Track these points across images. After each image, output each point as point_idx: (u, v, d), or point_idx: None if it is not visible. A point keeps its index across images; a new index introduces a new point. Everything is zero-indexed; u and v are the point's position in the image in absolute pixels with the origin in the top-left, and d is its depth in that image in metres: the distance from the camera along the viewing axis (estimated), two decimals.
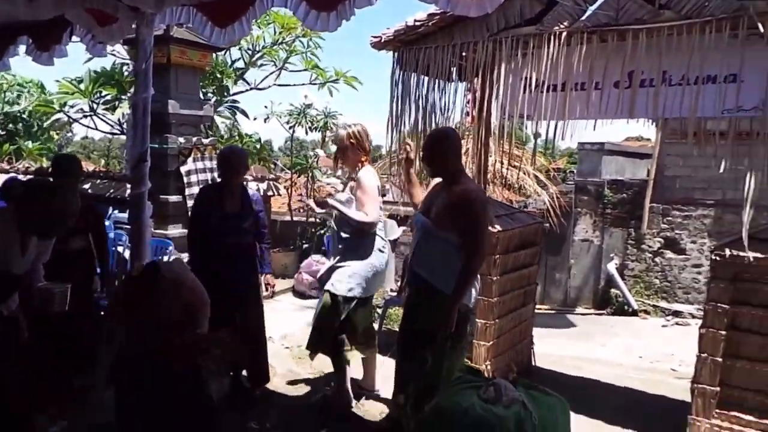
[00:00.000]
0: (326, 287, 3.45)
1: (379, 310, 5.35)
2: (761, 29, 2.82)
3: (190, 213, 3.78)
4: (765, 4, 2.83)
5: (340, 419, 3.41)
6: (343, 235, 3.45)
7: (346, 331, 3.45)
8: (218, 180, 3.74)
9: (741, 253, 2.98)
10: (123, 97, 7.25)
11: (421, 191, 3.23)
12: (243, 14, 3.26)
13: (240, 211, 3.54)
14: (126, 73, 7.33)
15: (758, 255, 2.94)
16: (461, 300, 2.73)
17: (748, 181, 2.95)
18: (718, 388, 3.13)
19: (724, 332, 3.10)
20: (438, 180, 2.98)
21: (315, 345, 3.55)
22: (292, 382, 4.01)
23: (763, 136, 2.93)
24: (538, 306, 6.37)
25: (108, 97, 7.52)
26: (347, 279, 3.41)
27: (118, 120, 7.64)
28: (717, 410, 3.14)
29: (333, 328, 3.43)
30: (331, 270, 3.47)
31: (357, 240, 3.42)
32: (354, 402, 3.55)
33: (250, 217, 3.58)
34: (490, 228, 3.76)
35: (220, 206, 3.51)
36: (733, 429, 3.09)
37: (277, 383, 3.99)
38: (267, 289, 3.80)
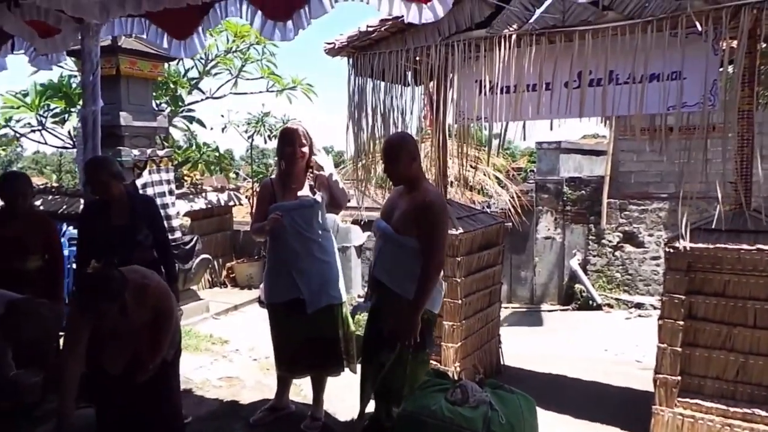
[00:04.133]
0: (335, 300, 3.22)
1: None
2: (699, 28, 2.92)
3: (77, 232, 3.51)
4: (702, 3, 2.94)
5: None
6: (312, 236, 3.21)
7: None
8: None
9: (692, 245, 3.07)
10: (72, 109, 7.02)
11: None
12: (198, 25, 3.24)
13: (129, 222, 3.24)
14: (74, 85, 7.10)
15: (708, 245, 3.04)
16: (423, 306, 2.71)
17: (686, 174, 3.06)
18: (678, 378, 3.21)
19: (681, 322, 3.18)
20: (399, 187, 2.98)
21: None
22: (260, 394, 3.94)
23: (703, 130, 3.03)
24: (505, 305, 6.47)
25: (56, 110, 7.27)
26: (340, 283, 3.29)
27: (69, 132, 7.40)
28: (679, 399, 3.22)
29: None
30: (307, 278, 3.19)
31: (330, 242, 3.31)
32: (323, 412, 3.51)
33: (143, 229, 3.29)
34: (451, 232, 3.79)
35: (107, 219, 3.23)
36: (695, 416, 3.17)
37: (245, 395, 3.92)
38: None
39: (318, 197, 3.19)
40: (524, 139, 3.67)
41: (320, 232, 3.21)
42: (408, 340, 2.68)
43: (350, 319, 3.37)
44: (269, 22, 2.79)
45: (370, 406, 3.02)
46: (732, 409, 3.07)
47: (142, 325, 2.50)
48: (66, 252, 4.92)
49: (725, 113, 3.02)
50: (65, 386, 2.43)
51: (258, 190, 3.49)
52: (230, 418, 3.55)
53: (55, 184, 8.38)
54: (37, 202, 6.46)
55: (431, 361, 3.76)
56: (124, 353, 2.52)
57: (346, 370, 3.35)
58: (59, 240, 3.81)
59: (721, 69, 3.07)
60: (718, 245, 3.03)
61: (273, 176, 3.40)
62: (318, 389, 3.41)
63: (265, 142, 9.21)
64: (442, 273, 2.88)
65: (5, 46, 3.84)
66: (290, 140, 3.16)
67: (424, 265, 2.69)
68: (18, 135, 7.76)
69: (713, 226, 3.10)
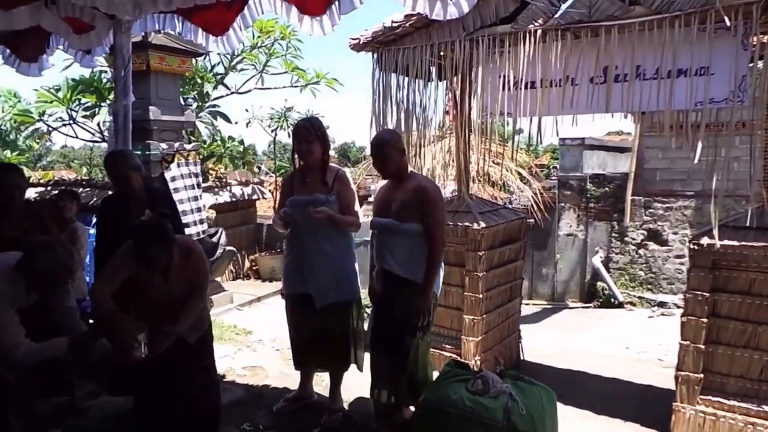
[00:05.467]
0: (345, 297, 3.25)
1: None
2: (727, 23, 2.89)
3: (95, 227, 3.50)
4: None
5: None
6: (323, 233, 3.19)
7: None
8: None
9: (715, 242, 3.05)
10: (102, 104, 7.19)
11: None
12: (233, 20, 3.31)
13: None
14: (105, 80, 7.27)
15: (734, 243, 3.01)
16: (432, 283, 2.85)
17: (717, 171, 3.02)
18: (701, 375, 3.20)
19: (705, 320, 3.16)
20: (383, 183, 3.13)
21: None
22: (283, 383, 4.02)
23: (731, 126, 3.00)
24: (526, 301, 6.45)
25: (87, 105, 7.45)
26: (357, 281, 3.33)
27: (98, 126, 7.57)
28: (701, 396, 3.20)
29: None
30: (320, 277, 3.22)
31: (343, 238, 3.34)
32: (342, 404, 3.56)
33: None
34: (473, 226, 3.81)
35: (126, 213, 3.17)
36: (717, 414, 3.15)
37: (269, 384, 4.01)
38: None
39: (331, 196, 3.17)
40: (557, 134, 3.65)
41: (332, 229, 3.19)
42: (424, 318, 2.82)
43: (364, 316, 3.40)
44: (306, 18, 2.84)
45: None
46: (755, 408, 3.05)
47: (178, 298, 2.61)
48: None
49: (755, 109, 2.98)
50: (103, 313, 2.61)
51: (282, 181, 3.54)
52: (254, 406, 3.63)
53: (85, 178, 8.59)
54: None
55: (452, 355, 3.82)
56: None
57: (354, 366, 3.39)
58: (58, 234, 3.58)
59: (751, 64, 3.03)
60: (744, 243, 3.00)
61: (293, 170, 3.44)
62: (335, 382, 3.45)
63: (288, 137, 9.31)
64: (450, 264, 2.98)
65: (46, 44, 3.96)
66: (300, 137, 3.17)
67: (430, 245, 2.84)
68: (50, 129, 7.97)
69: (744, 224, 3.06)
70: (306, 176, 3.23)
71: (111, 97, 6.83)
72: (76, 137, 8.21)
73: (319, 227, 3.15)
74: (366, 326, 3.48)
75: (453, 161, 4.36)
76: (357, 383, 3.57)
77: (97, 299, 2.63)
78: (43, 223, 3.35)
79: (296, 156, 3.25)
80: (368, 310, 4.76)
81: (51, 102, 7.33)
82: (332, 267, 3.22)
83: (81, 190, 6.82)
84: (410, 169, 3.21)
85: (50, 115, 7.65)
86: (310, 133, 3.15)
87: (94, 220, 5.84)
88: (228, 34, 3.36)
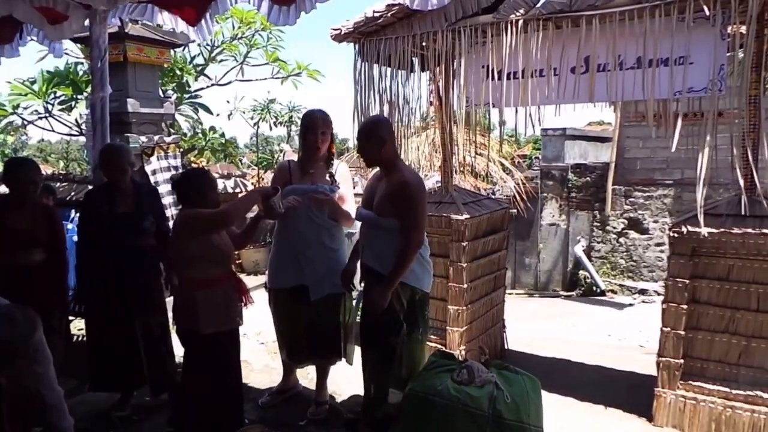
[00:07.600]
0: (338, 289, 3.20)
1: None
2: (706, 12, 2.91)
3: (78, 220, 3.48)
4: None
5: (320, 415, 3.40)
6: (324, 224, 3.20)
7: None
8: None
9: (697, 229, 3.09)
10: (79, 96, 7.06)
11: None
12: (206, 10, 3.25)
13: (136, 210, 3.24)
14: (81, 73, 7.13)
15: (713, 230, 3.06)
16: (396, 280, 2.71)
17: (700, 160, 3.05)
18: (681, 360, 3.25)
19: (685, 306, 3.21)
20: (376, 170, 3.01)
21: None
22: (268, 377, 4.01)
23: (711, 115, 3.03)
24: (509, 291, 6.50)
25: (63, 98, 7.30)
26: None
27: (76, 120, 7.44)
28: (681, 381, 3.26)
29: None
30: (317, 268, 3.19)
31: (340, 231, 3.34)
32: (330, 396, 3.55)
33: (149, 217, 3.29)
34: (457, 217, 3.82)
35: (112, 206, 3.20)
36: (697, 398, 3.21)
37: (254, 378, 3.99)
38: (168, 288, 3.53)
39: (335, 187, 3.16)
40: (540, 123, 3.62)
41: (331, 221, 3.20)
42: (375, 311, 2.72)
43: (353, 309, 3.37)
44: (275, 7, 2.80)
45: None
46: (734, 392, 3.11)
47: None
48: (75, 238, 4.97)
49: (734, 98, 3.01)
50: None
51: (275, 170, 3.47)
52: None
53: (62, 172, 8.43)
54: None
55: (437, 345, 3.83)
56: None
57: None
58: (64, 231, 3.68)
59: (729, 54, 3.06)
60: (723, 230, 3.05)
61: (290, 159, 3.39)
62: (321, 375, 3.44)
63: (270, 129, 9.25)
64: (433, 255, 2.92)
65: (16, 34, 3.86)
66: (313, 128, 3.14)
67: (403, 243, 2.69)
68: (25, 122, 7.81)
69: (722, 211, 3.11)
70: (307, 168, 3.20)
71: (88, 89, 6.70)
72: (53, 131, 8.06)
73: (319, 219, 3.15)
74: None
75: (437, 152, 4.36)
76: (344, 376, 3.57)
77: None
78: (51, 218, 3.39)
79: (308, 145, 3.18)
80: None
81: (26, 95, 7.17)
82: (329, 259, 3.20)
83: (58, 184, 6.68)
84: (405, 160, 3.11)
85: (25, 108, 7.49)
86: (326, 123, 3.16)
87: (72, 214, 5.74)
88: (201, 24, 3.29)
